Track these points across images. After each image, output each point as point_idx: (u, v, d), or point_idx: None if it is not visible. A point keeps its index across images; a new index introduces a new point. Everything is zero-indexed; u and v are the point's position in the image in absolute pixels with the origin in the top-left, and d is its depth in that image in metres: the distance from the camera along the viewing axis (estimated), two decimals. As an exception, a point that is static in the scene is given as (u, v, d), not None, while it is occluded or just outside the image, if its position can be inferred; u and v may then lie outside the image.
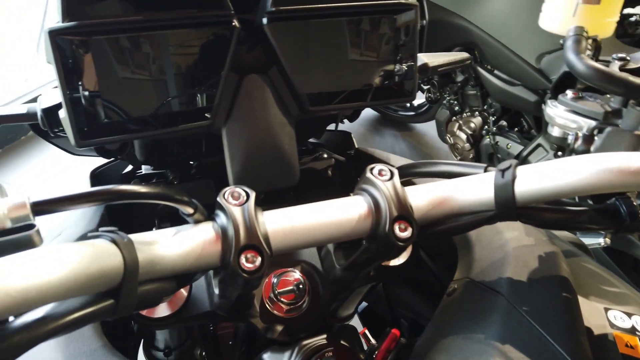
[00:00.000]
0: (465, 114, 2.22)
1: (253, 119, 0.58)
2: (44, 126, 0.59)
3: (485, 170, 0.50)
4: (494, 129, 2.08)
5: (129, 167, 0.78)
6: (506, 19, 1.88)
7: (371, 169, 0.48)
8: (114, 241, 0.35)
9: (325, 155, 0.79)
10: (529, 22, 1.73)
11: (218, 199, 0.43)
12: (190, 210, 0.42)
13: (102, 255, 0.33)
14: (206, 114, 0.57)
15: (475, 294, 0.53)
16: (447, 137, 2.27)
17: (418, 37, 0.62)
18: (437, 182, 0.49)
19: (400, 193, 0.46)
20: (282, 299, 0.58)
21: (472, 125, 2.17)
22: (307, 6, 0.56)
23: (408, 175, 0.57)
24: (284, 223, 0.44)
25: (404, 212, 0.45)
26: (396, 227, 0.45)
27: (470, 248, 0.59)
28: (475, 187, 0.47)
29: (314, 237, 0.45)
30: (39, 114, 0.58)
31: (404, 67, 0.63)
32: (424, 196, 0.48)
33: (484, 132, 2.13)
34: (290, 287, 0.59)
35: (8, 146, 2.58)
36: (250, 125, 0.58)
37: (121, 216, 0.66)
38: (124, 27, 0.49)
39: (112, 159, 0.74)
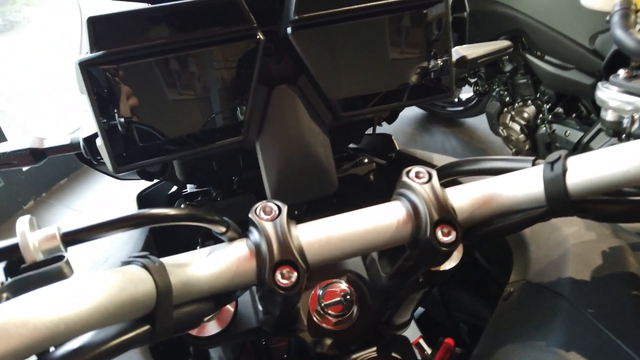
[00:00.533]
0: (517, 104, 2.12)
1: (285, 130, 0.57)
2: (86, 155, 0.61)
3: (534, 164, 0.46)
4: (550, 117, 1.97)
5: (174, 188, 0.79)
6: (552, 1, 1.78)
7: (407, 172, 0.46)
8: (145, 266, 0.35)
9: (366, 160, 0.77)
10: (577, 2, 1.63)
11: (250, 215, 0.42)
12: (222, 229, 0.41)
13: (134, 281, 0.33)
14: (239, 130, 0.56)
15: (534, 297, 0.49)
16: (500, 130, 2.18)
17: (451, 30, 0.59)
18: (480, 181, 0.46)
19: (440, 195, 0.43)
20: (329, 312, 0.57)
21: (526, 115, 2.07)
22: (331, 10, 0.54)
23: (449, 175, 0.54)
24: (319, 234, 0.43)
25: (445, 215, 0.43)
26: (438, 232, 0.42)
27: (525, 247, 0.55)
28: (522, 183, 0.44)
29: (351, 247, 0.43)
30: (81, 143, 0.60)
31: (439, 62, 0.61)
32: (466, 196, 0.45)
33: (539, 121, 2.03)
34: (337, 299, 0.58)
35: (73, 174, 2.73)
36: (283, 137, 0.57)
37: (166, 237, 0.67)
38: (151, 52, 0.50)
39: (156, 180, 0.76)
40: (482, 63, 0.74)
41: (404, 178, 0.45)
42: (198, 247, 0.70)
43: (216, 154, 0.67)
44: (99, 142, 0.51)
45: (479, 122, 2.78)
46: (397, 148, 0.80)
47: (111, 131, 0.50)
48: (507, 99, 2.17)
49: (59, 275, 0.32)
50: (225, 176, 0.73)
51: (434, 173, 0.45)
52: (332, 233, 0.43)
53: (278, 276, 0.40)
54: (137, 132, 0.51)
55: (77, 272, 0.32)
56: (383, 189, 0.77)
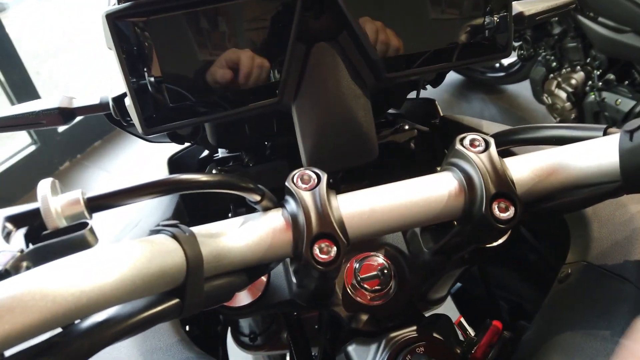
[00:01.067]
0: (564, 70, 2.00)
1: (324, 92, 0.53)
2: (116, 115, 0.58)
3: (605, 133, 0.41)
4: (600, 84, 1.85)
5: (206, 152, 0.76)
6: (612, -45, 1.64)
7: (461, 140, 0.41)
8: (174, 236, 0.32)
9: (407, 127, 0.73)
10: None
11: (287, 183, 0.39)
12: (257, 198, 0.38)
13: (162, 252, 0.30)
14: (275, 91, 0.52)
15: (596, 281, 0.45)
16: (544, 97, 2.07)
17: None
18: (544, 150, 0.41)
19: (498, 165, 0.39)
20: (365, 286, 0.54)
21: (573, 81, 1.95)
22: None
23: (506, 144, 0.49)
24: (362, 206, 0.39)
25: (503, 188, 0.38)
26: (495, 207, 0.38)
27: (586, 225, 0.50)
28: (593, 153, 0.39)
29: (397, 221, 0.39)
30: (110, 103, 0.57)
31: (496, 18, 0.55)
32: (528, 167, 0.40)
33: (587, 88, 1.91)
34: (374, 273, 0.54)
35: (107, 136, 2.76)
36: (321, 99, 0.53)
37: (197, 203, 0.65)
38: (182, 4, 0.46)
39: (188, 144, 0.73)
40: (541, 20, 0.67)
41: (458, 146, 0.41)
42: (230, 215, 0.68)
43: (249, 118, 0.63)
44: (128, 101, 0.48)
45: (521, 89, 2.65)
46: (441, 114, 0.75)
47: (140, 90, 0.47)
48: (554, 64, 2.05)
49: (83, 244, 0.29)
50: (258, 141, 0.69)
51: (492, 141, 0.40)
52: (375, 205, 0.39)
53: (316, 250, 0.36)
54: (167, 92, 0.48)
55: (103, 241, 0.30)
56: (425, 158, 0.72)
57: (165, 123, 0.49)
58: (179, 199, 0.60)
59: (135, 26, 0.45)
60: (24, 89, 2.35)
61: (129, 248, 0.29)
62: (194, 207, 0.65)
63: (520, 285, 0.76)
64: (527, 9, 0.66)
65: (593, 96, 1.88)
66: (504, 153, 0.43)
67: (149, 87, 0.47)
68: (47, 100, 0.62)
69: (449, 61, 0.55)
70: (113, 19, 0.45)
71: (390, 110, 0.80)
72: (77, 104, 0.62)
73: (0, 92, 2.37)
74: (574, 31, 1.90)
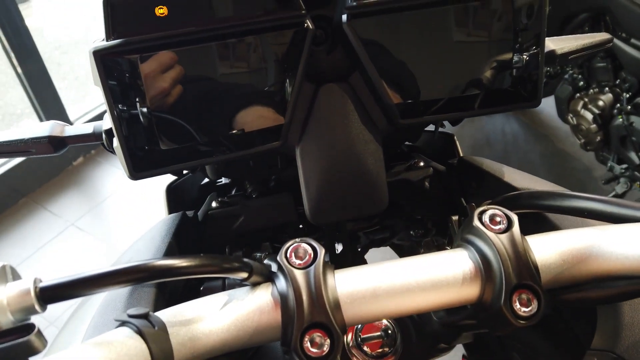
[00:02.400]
0: (592, 90, 1.92)
1: (331, 136, 0.49)
2: (108, 147, 0.54)
3: None
4: (628, 107, 1.77)
5: (207, 179, 0.72)
6: (650, -24, 1.56)
7: (480, 214, 0.36)
8: (140, 332, 0.28)
9: (422, 164, 0.68)
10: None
11: (279, 257, 0.35)
12: (244, 275, 0.34)
13: (123, 356, 0.26)
14: (278, 133, 0.48)
15: None
16: (569, 117, 1.99)
17: (545, 27, 0.47)
18: (575, 231, 0.36)
19: (521, 250, 0.34)
20: (365, 349, 0.49)
21: (601, 103, 1.87)
22: None
23: (532, 208, 0.44)
24: (363, 286, 0.35)
25: (526, 279, 0.33)
26: (515, 300, 0.33)
27: (615, 309, 0.45)
28: (633, 241, 0.34)
29: (401, 306, 0.35)
30: (103, 135, 0.53)
31: (524, 63, 0.49)
32: (555, 250, 0.35)
33: (615, 111, 1.83)
34: (377, 334, 0.50)
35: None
36: (328, 143, 0.49)
37: (194, 238, 0.60)
38: (178, 41, 0.42)
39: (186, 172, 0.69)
40: (575, 59, 0.62)
41: (476, 222, 0.36)
42: (227, 251, 0.63)
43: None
44: (115, 142, 0.44)
45: (544, 105, 2.56)
46: (461, 153, 0.69)
47: (129, 132, 0.43)
48: (581, 83, 1.96)
49: (28, 351, 0.25)
50: (262, 175, 0.65)
51: (515, 219, 0.35)
52: (378, 285, 0.35)
53: (307, 342, 0.32)
54: (158, 134, 0.44)
55: (53, 343, 0.26)
56: (439, 198, 0.67)
57: (155, 168, 0.45)
58: (171, 238, 0.56)
59: (125, 64, 0.41)
60: (40, 81, 2.34)
61: (84, 356, 0.25)
62: (191, 244, 0.61)
63: (536, 339, 0.70)
64: (560, 47, 0.61)
65: (620, 119, 1.80)
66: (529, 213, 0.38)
67: (139, 129, 0.43)
68: (39, 126, 0.58)
69: (470, 109, 0.50)
70: (101, 56, 0.41)
71: (406, 143, 0.75)
72: (69, 131, 0.58)
73: (17, 84, 2.37)
74: (604, 51, 1.82)
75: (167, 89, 0.43)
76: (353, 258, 0.73)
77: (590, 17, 1.77)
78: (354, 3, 0.44)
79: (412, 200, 0.68)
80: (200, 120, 0.45)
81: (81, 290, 0.28)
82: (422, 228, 0.78)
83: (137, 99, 0.42)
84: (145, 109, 0.42)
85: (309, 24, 0.45)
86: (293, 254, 0.35)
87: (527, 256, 0.34)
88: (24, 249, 2.13)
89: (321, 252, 0.35)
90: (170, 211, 0.68)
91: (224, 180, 0.74)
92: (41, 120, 2.41)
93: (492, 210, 0.36)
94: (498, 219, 0.36)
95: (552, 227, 0.48)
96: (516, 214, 0.40)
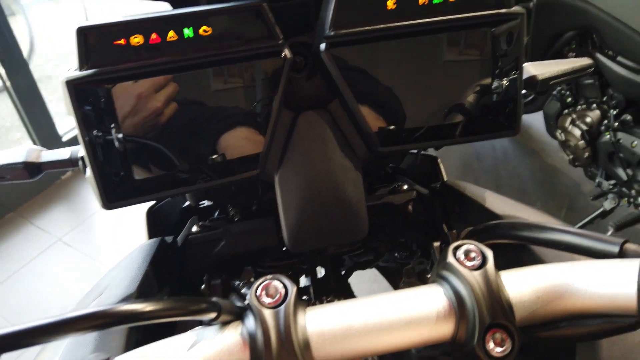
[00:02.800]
0: (579, 107, 1.93)
1: (310, 164, 0.48)
2: (85, 172, 0.54)
3: (622, 250, 0.35)
4: (616, 124, 1.78)
5: (188, 202, 0.72)
6: (635, -4, 1.58)
7: (454, 250, 0.36)
8: None
9: (406, 187, 0.67)
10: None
11: (249, 296, 0.34)
12: (212, 316, 0.33)
13: None
14: (256, 161, 0.48)
15: None
16: (558, 133, 2.00)
17: (524, 53, 0.47)
18: (549, 267, 0.36)
19: (495, 288, 0.34)
20: None
21: (588, 119, 1.88)
22: (376, 26, 0.44)
23: (510, 238, 0.44)
24: (333, 325, 0.34)
25: (500, 318, 0.33)
26: (489, 339, 0.33)
27: (594, 343, 0.44)
28: (606, 279, 0.33)
29: (374, 344, 0.34)
30: (79, 162, 0.53)
31: (503, 90, 0.49)
32: (529, 287, 0.35)
33: (602, 127, 1.85)
34: None
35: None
36: (307, 171, 0.48)
37: (172, 265, 0.59)
38: (153, 70, 0.41)
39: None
40: (556, 84, 0.62)
41: (450, 258, 0.35)
42: (205, 279, 0.63)
43: None
44: (88, 172, 0.44)
45: (533, 120, 2.58)
46: (445, 176, 0.69)
47: (102, 161, 0.42)
48: (569, 99, 1.98)
49: None
50: (243, 200, 0.65)
51: (490, 256, 0.35)
52: (349, 324, 0.34)
53: None
54: (133, 163, 0.43)
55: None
56: (423, 222, 0.66)
57: (130, 197, 0.44)
58: (148, 266, 0.56)
59: (99, 94, 0.41)
60: (29, 95, 2.33)
61: None
62: (169, 271, 0.60)
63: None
64: (541, 73, 0.61)
65: (608, 136, 1.81)
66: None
67: (112, 159, 0.43)
68: (14, 152, 0.57)
69: (449, 137, 0.50)
70: (74, 86, 0.40)
71: (390, 164, 0.75)
72: (45, 157, 0.57)
73: (6, 97, 2.36)
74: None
75: (141, 119, 0.42)
76: (336, 282, 0.73)
77: (577, 34, 1.79)
78: (332, 33, 0.44)
79: (395, 223, 0.68)
80: (176, 149, 0.45)
81: (35, 338, 0.27)
82: (406, 251, 0.77)
83: (110, 129, 0.42)
84: (118, 139, 0.42)
85: (286, 52, 0.44)
86: (264, 292, 0.34)
87: (501, 294, 0.34)
88: (10, 265, 2.10)
89: (292, 290, 0.34)
90: (151, 236, 0.67)
91: (206, 202, 0.73)
92: (30, 134, 2.39)
93: (467, 246, 0.36)
94: (473, 254, 0.35)
95: (532, 256, 0.47)
96: (496, 244, 0.39)
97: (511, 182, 2.34)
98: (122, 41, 0.40)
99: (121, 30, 0.40)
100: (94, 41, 0.40)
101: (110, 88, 0.40)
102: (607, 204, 1.91)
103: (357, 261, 0.80)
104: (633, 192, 1.78)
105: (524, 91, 0.56)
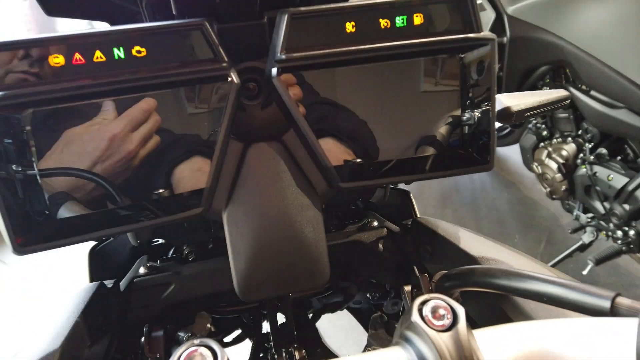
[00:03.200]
0: (555, 140, 1.94)
1: (262, 200, 0.43)
2: None
3: (613, 306, 0.30)
4: (592, 157, 1.78)
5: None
6: (606, 32, 1.60)
7: (420, 306, 0.31)
8: None
9: (376, 223, 0.63)
10: (635, 35, 1.45)
11: None
12: None
13: None
14: (199, 198, 0.42)
15: None
16: (534, 166, 2.00)
17: (495, 83, 0.44)
18: (532, 325, 0.31)
19: (468, 354, 0.28)
20: None
21: (564, 152, 1.88)
22: (333, 50, 0.40)
23: (486, 287, 0.39)
24: None
25: None
26: None
27: None
28: (598, 343, 0.28)
29: None
30: None
31: (475, 121, 0.45)
32: (508, 351, 0.30)
33: (578, 160, 1.84)
34: None
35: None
36: (258, 209, 0.43)
37: (119, 306, 0.52)
38: (73, 94, 0.36)
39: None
40: (531, 116, 0.59)
41: (415, 316, 0.30)
42: (145, 330, 0.56)
43: None
44: None
45: (510, 152, 2.59)
46: (417, 212, 0.65)
47: (13, 199, 0.36)
48: (545, 133, 1.98)
49: None
50: (196, 237, 0.59)
51: (461, 313, 0.30)
52: None
53: None
54: (50, 202, 0.37)
55: None
56: (394, 260, 0.61)
57: (48, 241, 0.38)
58: (79, 316, 0.49)
59: (10, 120, 0.35)
60: None
61: None
62: (109, 321, 0.53)
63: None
64: (515, 104, 0.57)
65: (584, 169, 1.81)
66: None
67: (26, 196, 0.37)
68: None
69: (419, 172, 0.45)
70: None
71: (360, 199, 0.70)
72: None
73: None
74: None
75: (62, 150, 0.37)
76: (301, 328, 0.67)
77: (551, 69, 1.80)
78: (283, 56, 0.39)
79: (365, 262, 0.63)
80: (105, 184, 0.39)
81: None
82: (379, 291, 0.72)
83: (23, 161, 0.36)
84: (31, 175, 0.36)
85: (234, 77, 0.40)
86: None
87: (474, 359, 0.28)
88: None
89: (222, 355, 0.28)
90: (93, 278, 0.60)
91: (160, 240, 0.67)
92: None
93: (435, 301, 0.30)
94: (442, 311, 0.30)
95: (513, 305, 0.43)
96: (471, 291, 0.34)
97: (490, 214, 2.31)
98: (39, 60, 0.35)
99: (39, 49, 0.35)
100: (5, 60, 0.34)
101: (18, 114, 0.35)
102: (586, 237, 1.89)
103: (326, 303, 0.74)
104: (611, 225, 1.76)
105: (498, 124, 0.52)
